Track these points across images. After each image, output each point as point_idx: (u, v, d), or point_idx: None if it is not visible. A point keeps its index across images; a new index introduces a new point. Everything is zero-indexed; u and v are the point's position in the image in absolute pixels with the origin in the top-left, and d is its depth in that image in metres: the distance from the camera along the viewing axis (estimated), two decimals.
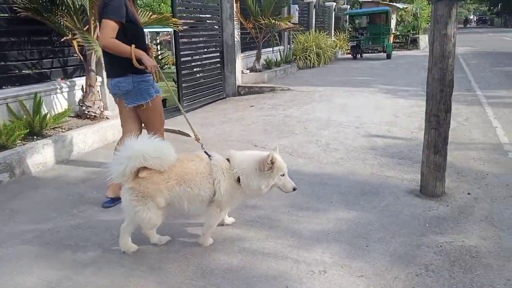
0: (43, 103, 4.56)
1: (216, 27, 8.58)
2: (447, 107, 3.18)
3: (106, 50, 2.90)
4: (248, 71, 9.88)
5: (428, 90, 3.25)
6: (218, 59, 8.90)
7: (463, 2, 35.54)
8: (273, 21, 9.56)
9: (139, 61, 2.89)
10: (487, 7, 58.50)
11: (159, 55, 14.54)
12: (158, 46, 15.62)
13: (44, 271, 2.38)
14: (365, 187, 3.51)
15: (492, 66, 11.67)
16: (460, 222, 2.87)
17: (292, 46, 13.16)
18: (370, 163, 4.11)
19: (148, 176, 2.36)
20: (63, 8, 4.60)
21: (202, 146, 2.69)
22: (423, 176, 3.32)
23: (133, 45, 2.84)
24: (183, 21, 6.73)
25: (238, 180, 2.45)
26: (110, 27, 2.79)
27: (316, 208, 3.12)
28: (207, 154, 2.55)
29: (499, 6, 51.11)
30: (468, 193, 3.32)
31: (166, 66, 15.56)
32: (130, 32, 2.94)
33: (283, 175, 2.46)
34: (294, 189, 2.48)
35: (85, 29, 4.67)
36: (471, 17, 68.50)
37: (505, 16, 52.03)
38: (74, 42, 4.73)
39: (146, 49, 3.03)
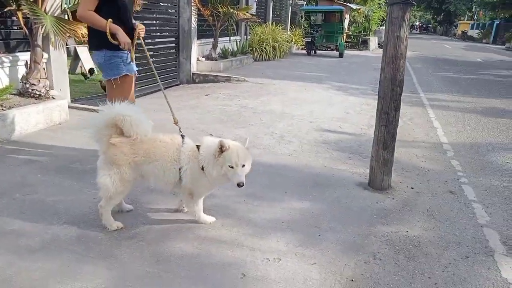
0: None
1: (172, 11, 8.35)
2: (397, 106, 3.36)
3: (82, 21, 3.02)
4: (204, 59, 9.75)
5: (380, 89, 3.41)
6: (173, 45, 8.69)
7: (414, 6, 37.48)
8: (232, 10, 9.49)
9: (114, 36, 2.94)
10: (431, 15, 62.12)
11: None
12: None
13: None
14: (317, 178, 3.63)
15: (434, 71, 12.45)
16: (404, 214, 3.06)
17: (249, 37, 13.15)
18: (323, 156, 4.24)
19: (118, 145, 2.41)
20: None
21: (180, 129, 2.70)
22: (372, 170, 3.50)
23: (109, 20, 2.87)
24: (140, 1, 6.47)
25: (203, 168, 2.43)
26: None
27: (271, 198, 3.18)
28: (182, 138, 2.54)
29: (442, 15, 54.56)
30: (412, 188, 3.55)
31: None
32: (108, 7, 2.97)
33: (232, 167, 2.32)
34: (238, 185, 2.32)
35: (32, 0, 4.34)
36: (417, 23, 72.43)
37: (446, 25, 55.68)
38: (19, 14, 4.38)
39: (130, 27, 3.09)
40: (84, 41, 4.59)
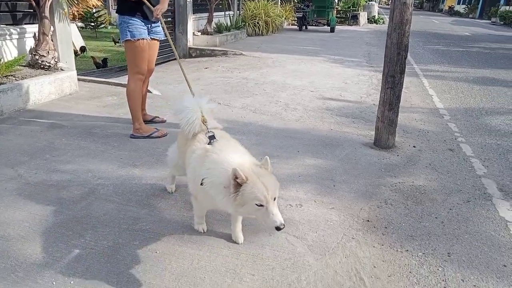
0: None
1: None
2: (402, 69, 3.58)
3: None
4: (200, 33, 9.78)
5: (386, 53, 3.61)
6: (169, 19, 8.71)
7: None
8: None
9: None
10: None
11: (94, 13, 13.74)
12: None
13: (32, 207, 2.40)
14: (326, 140, 3.86)
15: (424, 45, 12.67)
16: (409, 168, 3.32)
17: (242, 12, 13.13)
18: (328, 121, 4.46)
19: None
20: None
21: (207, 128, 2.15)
22: (378, 130, 3.73)
23: None
24: None
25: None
26: None
27: (285, 157, 3.40)
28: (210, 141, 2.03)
29: None
30: (414, 146, 3.81)
31: (102, 25, 14.80)
32: None
33: (261, 205, 1.67)
34: (277, 228, 1.66)
35: None
36: None
37: (433, 1, 55.66)
38: None
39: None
40: (73, 18, 4.72)
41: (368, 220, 2.50)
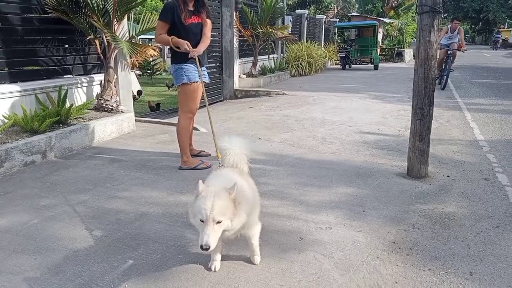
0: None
1: (216, 33, 9.11)
2: (430, 101, 3.75)
3: (157, 42, 4.00)
4: (245, 76, 10.43)
5: (414, 87, 3.81)
6: (218, 64, 9.43)
7: (449, 17, 37.27)
8: (270, 30, 10.17)
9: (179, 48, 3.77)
10: (469, 26, 60.73)
11: (151, 61, 15.06)
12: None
13: (95, 226, 2.83)
14: (359, 170, 4.04)
15: (472, 79, 12.48)
16: (441, 196, 3.41)
17: (285, 54, 13.80)
18: (363, 153, 4.65)
19: None
20: (87, 10, 5.07)
21: (219, 162, 2.49)
22: (410, 160, 3.87)
23: (172, 36, 3.73)
24: None
25: None
26: (159, 25, 3.82)
27: (318, 185, 3.63)
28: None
29: (480, 24, 53.26)
30: (448, 176, 3.88)
31: (158, 72, 16.17)
32: (173, 30, 3.82)
33: (202, 220, 1.81)
34: (201, 247, 1.77)
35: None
36: None
37: (485, 35, 54.20)
38: (96, 41, 5.20)
39: (193, 45, 3.79)
40: (132, 66, 5.42)
41: (394, 242, 2.65)
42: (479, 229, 2.81)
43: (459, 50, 10.03)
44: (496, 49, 36.14)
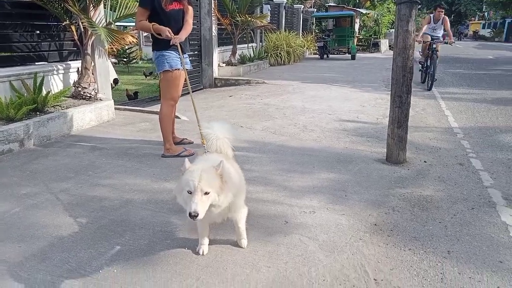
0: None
1: (194, 21, 9.00)
2: (408, 89, 3.86)
3: (138, 29, 3.95)
4: (224, 64, 10.38)
5: (392, 76, 3.91)
6: (197, 52, 9.34)
7: (423, 8, 38.34)
8: (249, 18, 10.12)
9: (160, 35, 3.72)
10: None
11: (127, 49, 14.75)
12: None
13: (80, 213, 2.80)
14: (340, 157, 4.13)
15: (445, 69, 12.82)
16: (419, 180, 3.54)
17: (264, 43, 13.78)
18: (343, 140, 4.75)
19: None
20: None
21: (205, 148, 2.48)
22: (389, 147, 3.99)
23: (153, 23, 3.67)
24: None
25: None
26: (139, 12, 3.77)
27: (301, 171, 3.70)
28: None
29: (452, 17, 54.63)
30: (425, 161, 4.02)
31: (134, 60, 15.84)
32: (154, 17, 3.76)
33: (190, 192, 1.87)
34: (189, 214, 1.82)
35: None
36: None
37: (457, 27, 55.67)
38: (73, 27, 5.05)
39: (174, 32, 3.72)
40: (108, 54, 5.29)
41: (375, 224, 2.74)
42: (456, 211, 2.94)
43: (446, 43, 8.94)
44: (461, 40, 38.40)
